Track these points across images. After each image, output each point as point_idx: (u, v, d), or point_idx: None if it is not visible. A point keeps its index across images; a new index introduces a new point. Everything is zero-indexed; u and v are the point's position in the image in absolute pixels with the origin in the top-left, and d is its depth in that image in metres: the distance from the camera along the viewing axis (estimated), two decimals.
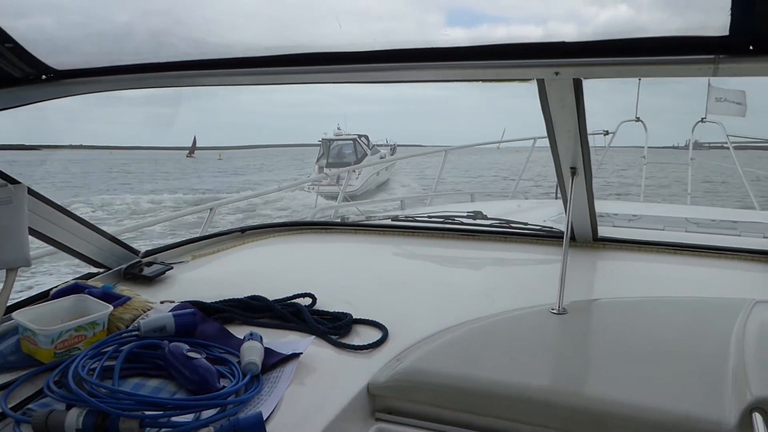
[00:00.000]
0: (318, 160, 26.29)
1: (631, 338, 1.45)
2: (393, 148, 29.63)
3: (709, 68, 1.08)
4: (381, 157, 25.48)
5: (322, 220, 3.72)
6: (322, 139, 27.33)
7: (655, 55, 1.12)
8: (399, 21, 1.30)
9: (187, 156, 74.66)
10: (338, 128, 28.33)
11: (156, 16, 1.38)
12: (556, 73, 1.22)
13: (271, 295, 1.71)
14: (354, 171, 20.84)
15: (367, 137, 28.21)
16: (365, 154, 25.44)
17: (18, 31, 1.22)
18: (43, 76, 1.38)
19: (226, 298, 1.68)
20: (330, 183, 17.63)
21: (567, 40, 1.14)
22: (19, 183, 1.49)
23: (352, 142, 26.57)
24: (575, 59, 1.17)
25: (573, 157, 1.84)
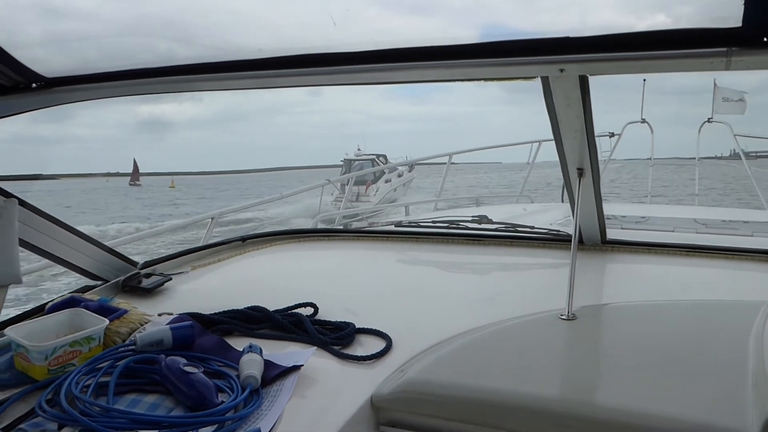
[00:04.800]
0: None
1: (644, 344, 1.40)
2: (411, 166, 30.76)
3: (721, 62, 1.04)
4: (399, 175, 26.94)
5: (325, 227, 3.68)
6: (344, 159, 29.25)
7: (665, 50, 1.07)
8: (399, 21, 1.27)
9: (129, 184, 64.20)
10: (358, 149, 30.68)
11: (149, 20, 1.34)
12: (561, 70, 1.18)
13: (272, 305, 1.67)
14: (372, 188, 21.51)
15: (385, 156, 29.92)
16: (383, 172, 26.64)
17: (5, 40, 1.18)
18: (33, 85, 1.35)
19: (226, 309, 1.63)
20: (350, 199, 18.65)
21: (572, 35, 1.09)
22: (12, 197, 1.45)
23: (371, 161, 28.21)
24: (580, 55, 1.13)
25: (580, 157, 1.79)
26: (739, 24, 0.99)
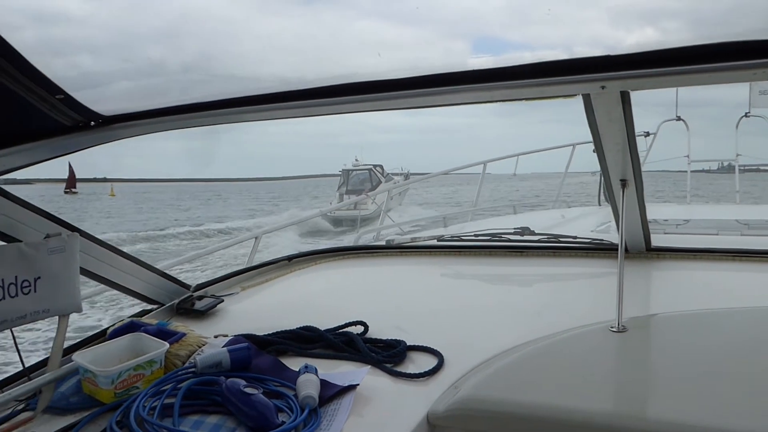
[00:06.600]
0: (339, 188, 29.54)
1: (698, 355, 1.39)
2: (406, 175, 31.46)
3: (765, 73, 1.04)
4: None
5: (368, 244, 3.72)
6: (343, 170, 30.38)
7: (705, 63, 1.08)
8: (438, 47, 1.30)
9: (64, 191, 55.19)
10: (356, 159, 31.56)
11: (196, 56, 1.41)
12: (603, 87, 1.19)
13: (322, 323, 1.70)
14: (370, 197, 22.19)
15: (381, 166, 30.94)
16: (380, 182, 27.72)
17: (67, 82, 1.25)
18: (92, 123, 1.42)
19: (278, 330, 1.68)
20: (349, 208, 21.19)
21: (612, 53, 1.11)
22: (74, 231, 1.52)
23: (368, 171, 29.42)
24: (621, 72, 1.14)
25: (623, 169, 1.79)
26: None
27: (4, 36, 1.05)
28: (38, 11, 1.17)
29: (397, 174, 33.38)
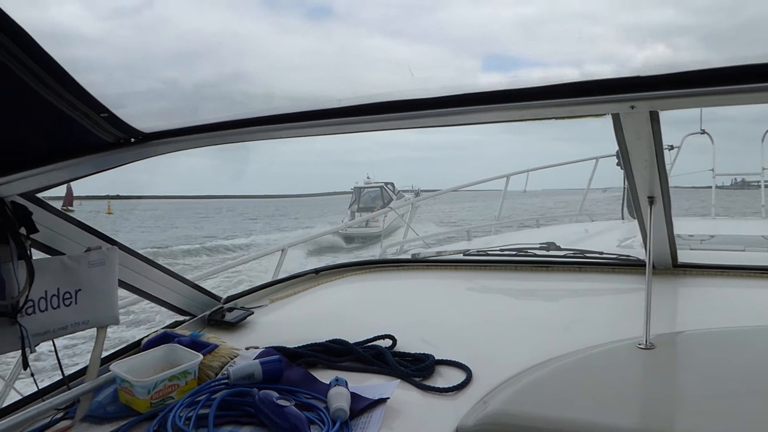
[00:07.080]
0: (350, 205, 29.97)
1: (726, 373, 1.39)
2: (417, 193, 31.68)
3: None
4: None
5: (394, 257, 3.74)
6: (354, 187, 30.79)
7: (736, 84, 1.09)
8: (453, 66, 1.32)
9: (62, 209, 61.68)
10: (368, 177, 31.80)
11: (233, 79, 1.45)
12: (632, 107, 1.20)
13: (351, 336, 1.73)
14: (381, 214, 22.33)
15: (393, 184, 31.29)
16: (391, 199, 27.63)
17: (110, 100, 1.30)
18: (132, 140, 1.46)
19: (308, 342, 1.71)
20: (360, 225, 21.74)
21: (642, 74, 1.12)
22: (114, 244, 1.57)
23: (379, 188, 29.67)
24: (651, 92, 1.15)
25: (650, 186, 1.80)
26: None
27: (51, 54, 1.09)
28: (63, 31, 1.21)
29: (407, 191, 33.67)
